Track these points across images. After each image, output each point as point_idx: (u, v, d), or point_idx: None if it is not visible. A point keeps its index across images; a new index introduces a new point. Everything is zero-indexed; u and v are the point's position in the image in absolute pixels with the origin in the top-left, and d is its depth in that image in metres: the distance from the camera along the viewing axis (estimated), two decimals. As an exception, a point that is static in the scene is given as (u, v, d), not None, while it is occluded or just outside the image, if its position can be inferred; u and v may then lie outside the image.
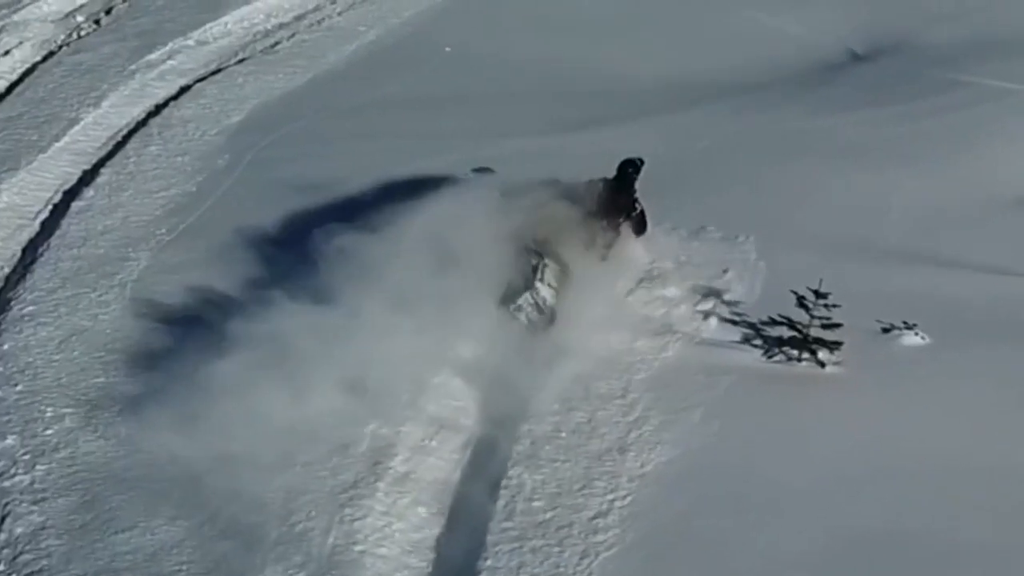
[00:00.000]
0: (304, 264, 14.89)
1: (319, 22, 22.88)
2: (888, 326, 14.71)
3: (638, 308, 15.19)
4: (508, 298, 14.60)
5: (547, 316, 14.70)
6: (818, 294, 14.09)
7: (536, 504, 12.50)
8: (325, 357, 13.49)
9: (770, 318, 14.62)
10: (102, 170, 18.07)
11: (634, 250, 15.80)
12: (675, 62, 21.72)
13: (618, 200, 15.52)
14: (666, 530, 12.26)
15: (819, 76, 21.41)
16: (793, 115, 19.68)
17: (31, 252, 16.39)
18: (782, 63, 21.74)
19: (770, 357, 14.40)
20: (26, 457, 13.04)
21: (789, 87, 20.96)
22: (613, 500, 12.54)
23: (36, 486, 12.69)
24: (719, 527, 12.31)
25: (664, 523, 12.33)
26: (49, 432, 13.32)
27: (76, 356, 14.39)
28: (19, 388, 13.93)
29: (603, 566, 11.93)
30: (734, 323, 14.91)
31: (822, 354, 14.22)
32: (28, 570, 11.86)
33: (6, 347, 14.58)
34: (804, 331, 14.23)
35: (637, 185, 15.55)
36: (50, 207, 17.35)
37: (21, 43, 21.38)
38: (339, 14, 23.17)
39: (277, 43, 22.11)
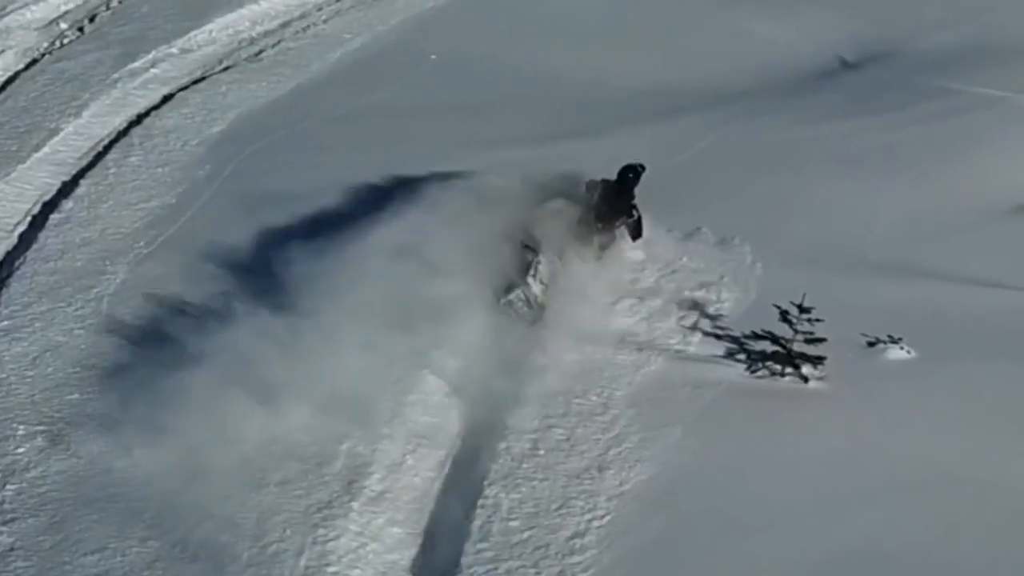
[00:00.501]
0: (282, 278, 14.74)
1: (305, 29, 22.70)
2: (873, 340, 14.56)
3: (621, 321, 15.04)
4: (500, 292, 14.70)
5: (536, 311, 14.76)
6: (801, 308, 13.92)
7: (513, 524, 12.35)
8: (302, 373, 13.41)
9: (753, 332, 14.45)
10: (82, 181, 17.92)
11: (628, 253, 15.86)
12: (664, 69, 21.56)
13: (616, 203, 15.63)
14: (645, 550, 12.12)
15: (808, 84, 21.24)
16: (781, 123, 19.52)
17: (8, 265, 16.24)
18: (771, 71, 21.57)
19: (753, 372, 14.25)
20: (-4, 477, 12.89)
21: (778, 95, 20.79)
22: (591, 520, 12.39)
23: (6, 507, 12.54)
24: (699, 546, 12.17)
25: (643, 543, 12.18)
26: (20, 451, 13.18)
27: (50, 372, 14.24)
28: (-9, 405, 13.77)
29: (580, 588, 11.78)
30: (718, 337, 14.77)
31: (805, 369, 14.08)
32: (-4, 593, 11.75)
33: (-21, 363, 14.42)
34: (787, 346, 14.06)
35: (636, 191, 15.64)
36: (28, 219, 17.20)
37: (3, 51, 21.24)
38: (325, 21, 22.99)
39: (262, 51, 21.92)
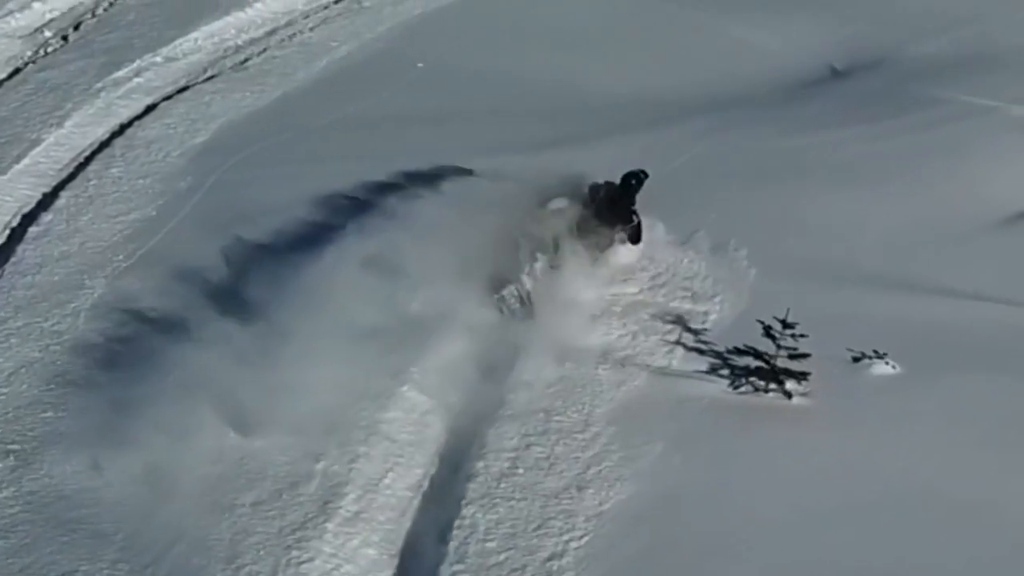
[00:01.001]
0: (261, 292, 14.63)
1: (290, 37, 22.49)
2: (859, 355, 14.40)
3: (604, 335, 14.91)
4: (494, 287, 14.76)
5: (527, 309, 14.80)
6: (785, 324, 13.74)
7: (489, 545, 12.19)
8: (279, 391, 13.25)
9: (735, 348, 14.28)
10: (62, 193, 17.73)
11: (624, 258, 15.90)
12: (652, 78, 21.39)
13: (617, 208, 15.73)
14: (623, 572, 11.97)
15: (798, 92, 21.07)
16: (770, 134, 19.33)
17: (-15, 280, 16.06)
18: (760, 79, 21.39)
19: (736, 388, 14.09)
20: (-34, 497, 12.72)
21: (767, 104, 20.62)
22: (569, 541, 12.23)
23: (-25, 528, 12.37)
24: (679, 567, 12.04)
25: (621, 564, 12.03)
26: (-8, 471, 13.01)
27: (24, 390, 14.07)
28: (-36, 423, 13.61)
29: (556, 611, 11.63)
30: (701, 352, 14.62)
31: (789, 384, 13.92)
32: (-37, 618, 11.59)
33: (-46, 379, 14.27)
34: (771, 361, 13.89)
35: (637, 197, 15.75)
36: (7, 232, 17.00)
37: (-14, 61, 21.08)
38: (311, 29, 22.79)
39: (247, 59, 21.72)
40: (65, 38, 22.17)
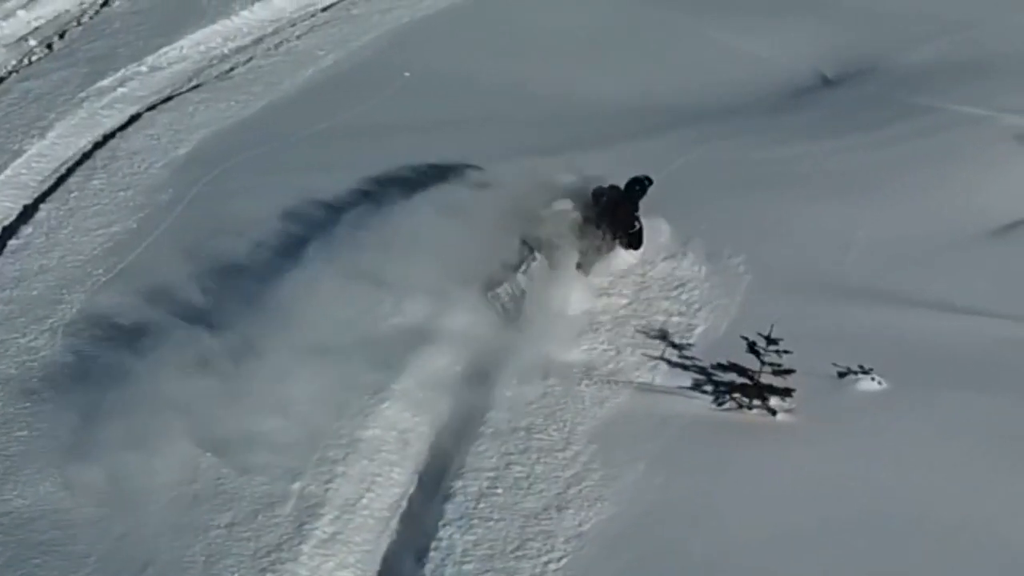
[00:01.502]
0: (242, 307, 14.51)
1: (277, 46, 22.35)
2: (844, 370, 14.24)
3: (587, 350, 14.73)
4: (488, 285, 14.71)
5: (520, 309, 14.73)
6: (769, 339, 13.57)
7: (466, 568, 12.02)
8: (257, 410, 13.16)
9: (719, 363, 14.12)
10: (42, 206, 17.60)
11: (625, 262, 15.92)
12: (642, 86, 21.31)
13: (619, 213, 15.77)
14: (602, 594, 11.78)
15: (788, 101, 20.95)
16: (759, 143, 19.19)
17: (-38, 295, 15.90)
18: (750, 87, 21.28)
19: (720, 404, 13.92)
20: (-61, 518, 12.56)
21: (757, 112, 20.49)
22: (547, 563, 12.07)
23: (-52, 550, 12.22)
24: (660, 588, 11.84)
25: (600, 586, 11.83)
26: (-35, 492, 12.85)
27: (0, 408, 13.88)
28: (-63, 442, 13.45)
29: (533, 636, 11.48)
30: (684, 367, 14.44)
31: (774, 401, 13.74)
32: (-68, 642, 11.44)
33: (-73, 397, 14.11)
34: (755, 377, 13.72)
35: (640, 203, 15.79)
36: (-14, 245, 16.87)
37: (-30, 70, 20.95)
38: (298, 37, 22.65)
39: (233, 68, 21.58)
40: (50, 47, 22.07)
